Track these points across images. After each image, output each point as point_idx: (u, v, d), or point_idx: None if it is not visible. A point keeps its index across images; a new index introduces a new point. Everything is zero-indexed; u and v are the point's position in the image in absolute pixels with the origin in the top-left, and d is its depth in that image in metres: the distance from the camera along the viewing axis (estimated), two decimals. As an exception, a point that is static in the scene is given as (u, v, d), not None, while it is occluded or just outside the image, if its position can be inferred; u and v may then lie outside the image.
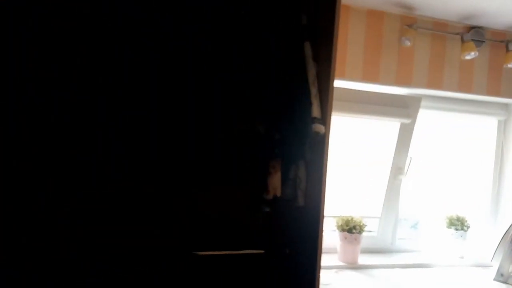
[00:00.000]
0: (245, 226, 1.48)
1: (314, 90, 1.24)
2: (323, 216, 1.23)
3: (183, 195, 1.41)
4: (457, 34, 2.06)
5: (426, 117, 2.29)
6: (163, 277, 1.37)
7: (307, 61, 1.25)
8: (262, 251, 1.47)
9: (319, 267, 1.23)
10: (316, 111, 1.22)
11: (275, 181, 1.25)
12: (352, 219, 2.08)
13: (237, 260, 1.45)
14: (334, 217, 2.14)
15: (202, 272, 1.41)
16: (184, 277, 1.39)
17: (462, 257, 2.30)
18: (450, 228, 2.32)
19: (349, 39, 1.95)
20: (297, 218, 1.34)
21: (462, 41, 2.04)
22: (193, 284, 1.40)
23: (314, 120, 1.21)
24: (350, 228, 2.05)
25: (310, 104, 1.21)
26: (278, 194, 1.25)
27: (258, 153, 1.24)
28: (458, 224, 2.31)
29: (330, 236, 2.13)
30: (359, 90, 2.06)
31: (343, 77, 1.94)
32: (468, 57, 2.03)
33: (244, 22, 1.24)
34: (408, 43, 1.96)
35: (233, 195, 1.42)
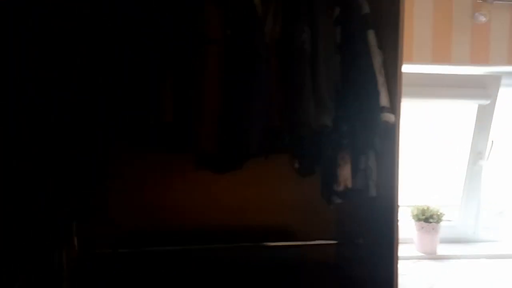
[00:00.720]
0: (317, 217, 1.51)
1: (381, 79, 1.22)
2: (397, 206, 1.21)
3: (254, 187, 1.48)
4: (541, 2, 1.87)
5: (508, 96, 2.10)
6: (232, 268, 1.42)
7: (371, 50, 1.24)
8: (335, 241, 1.48)
9: (397, 257, 1.21)
10: (384, 100, 1.20)
11: (345, 172, 1.25)
12: (428, 208, 2.00)
13: (310, 250, 1.48)
14: (409, 206, 2.07)
15: (273, 262, 1.44)
16: (256, 267, 1.43)
17: (558, 248, 2.10)
18: (543, 215, 2.12)
19: (415, 22, 1.86)
20: (370, 208, 1.33)
21: (548, 9, 1.84)
22: (265, 274, 1.44)
23: (382, 109, 1.19)
24: (427, 218, 1.97)
25: (378, 93, 1.20)
26: (349, 185, 1.25)
27: (327, 145, 1.25)
28: (553, 211, 2.10)
29: (405, 226, 2.07)
30: (429, 74, 1.96)
31: (411, 61, 1.86)
32: (556, 27, 1.83)
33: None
34: (482, 19, 1.82)
35: (305, 187, 1.46)
